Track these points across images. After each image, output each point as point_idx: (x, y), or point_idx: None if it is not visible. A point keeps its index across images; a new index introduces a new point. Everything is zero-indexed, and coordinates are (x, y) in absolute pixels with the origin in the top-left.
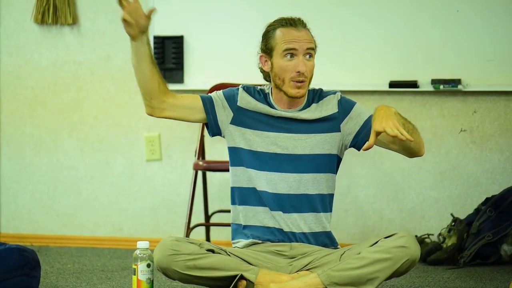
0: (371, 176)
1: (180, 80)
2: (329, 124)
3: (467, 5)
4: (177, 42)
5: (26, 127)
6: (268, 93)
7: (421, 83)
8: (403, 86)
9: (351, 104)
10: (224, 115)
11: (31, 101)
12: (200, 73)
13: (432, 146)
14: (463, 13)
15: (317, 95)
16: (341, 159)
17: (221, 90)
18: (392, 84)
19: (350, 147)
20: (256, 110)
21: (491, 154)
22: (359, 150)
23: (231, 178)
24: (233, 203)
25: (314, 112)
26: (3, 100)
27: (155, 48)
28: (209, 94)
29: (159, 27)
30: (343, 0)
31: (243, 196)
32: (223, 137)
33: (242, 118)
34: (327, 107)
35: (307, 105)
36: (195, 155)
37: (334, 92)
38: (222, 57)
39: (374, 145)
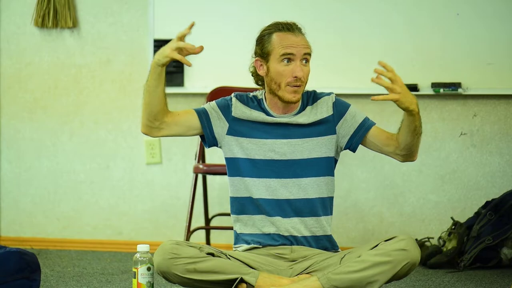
0: (371, 179)
1: (181, 83)
2: (325, 126)
3: (467, 8)
4: None
5: (26, 130)
6: (262, 99)
7: (421, 86)
8: None
9: (346, 106)
10: (220, 126)
11: (32, 105)
12: (200, 76)
13: (432, 150)
14: (463, 16)
15: (311, 97)
16: (337, 161)
17: (214, 101)
18: None
19: (345, 149)
20: (251, 119)
21: (491, 157)
22: (354, 151)
23: (229, 188)
24: (232, 212)
25: (310, 115)
26: (4, 103)
27: (155, 51)
28: (203, 106)
29: (159, 30)
30: (343, 4)
31: (242, 205)
32: (220, 147)
33: (238, 127)
34: (322, 110)
35: (302, 108)
36: (195, 159)
37: (329, 94)
38: (222, 61)
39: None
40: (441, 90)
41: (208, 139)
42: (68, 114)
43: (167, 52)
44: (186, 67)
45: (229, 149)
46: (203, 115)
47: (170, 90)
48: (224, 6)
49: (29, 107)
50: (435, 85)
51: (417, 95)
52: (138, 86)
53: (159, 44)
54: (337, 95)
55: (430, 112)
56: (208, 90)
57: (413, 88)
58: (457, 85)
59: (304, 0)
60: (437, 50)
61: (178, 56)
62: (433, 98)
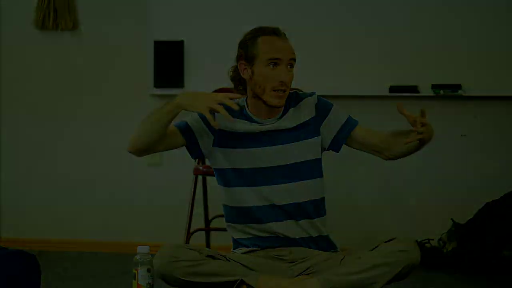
0: (371, 180)
1: (180, 84)
2: (309, 129)
3: (467, 10)
4: (177, 47)
5: (26, 131)
6: (244, 105)
7: (421, 88)
8: (403, 91)
9: (329, 107)
10: (205, 140)
11: (32, 106)
12: (200, 77)
13: (432, 151)
14: (463, 18)
15: (293, 99)
16: (321, 159)
17: (196, 113)
18: (393, 89)
19: (328, 149)
20: (235, 130)
21: (491, 159)
22: (337, 152)
23: (221, 196)
24: (226, 220)
25: (293, 118)
26: (4, 104)
27: (155, 52)
28: (184, 120)
29: (160, 32)
30: (343, 5)
31: (236, 213)
32: (207, 159)
33: (223, 139)
34: (305, 112)
35: (285, 111)
36: (195, 160)
37: (311, 94)
38: (222, 62)
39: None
40: (441, 92)
41: (194, 153)
42: (68, 115)
43: (201, 107)
44: (186, 68)
45: (216, 160)
46: (187, 133)
47: (170, 91)
48: (223, 7)
49: (29, 108)
50: (435, 87)
51: (417, 97)
52: (137, 87)
53: (159, 45)
54: (337, 96)
55: (430, 114)
56: (207, 91)
57: (413, 89)
58: (457, 87)
59: (305, 0)
60: (438, 52)
61: (209, 116)
62: (433, 99)
